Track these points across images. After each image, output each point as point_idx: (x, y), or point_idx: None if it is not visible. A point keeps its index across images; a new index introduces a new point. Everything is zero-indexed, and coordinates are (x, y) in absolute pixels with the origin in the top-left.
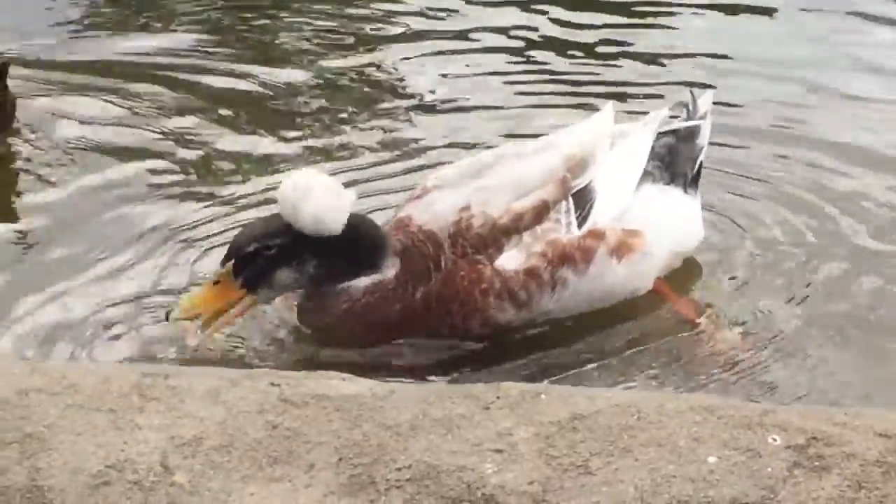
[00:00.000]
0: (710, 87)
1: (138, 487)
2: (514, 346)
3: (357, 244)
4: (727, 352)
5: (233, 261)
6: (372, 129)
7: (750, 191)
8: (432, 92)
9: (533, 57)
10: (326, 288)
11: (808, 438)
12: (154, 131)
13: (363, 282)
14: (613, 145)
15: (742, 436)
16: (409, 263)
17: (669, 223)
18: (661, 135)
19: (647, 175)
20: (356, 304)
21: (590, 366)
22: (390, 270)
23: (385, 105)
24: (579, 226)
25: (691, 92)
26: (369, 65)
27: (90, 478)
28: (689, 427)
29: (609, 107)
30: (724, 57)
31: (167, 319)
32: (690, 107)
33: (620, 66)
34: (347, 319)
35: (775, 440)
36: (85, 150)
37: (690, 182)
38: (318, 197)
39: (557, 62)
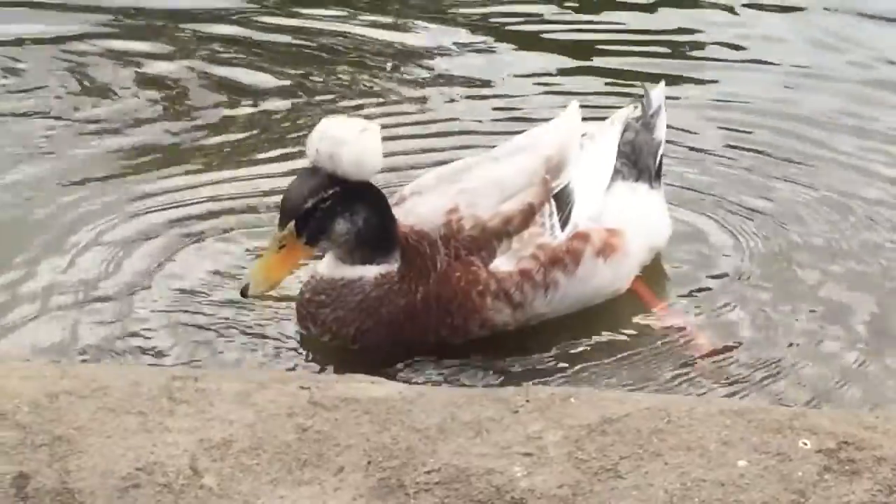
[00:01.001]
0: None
1: (168, 490)
2: (539, 347)
3: (385, 209)
4: (711, 353)
5: (293, 221)
6: (403, 102)
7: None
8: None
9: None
10: (342, 272)
11: (838, 442)
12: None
13: (372, 271)
14: (583, 146)
15: (772, 440)
16: (409, 261)
17: (643, 220)
18: (622, 132)
19: (616, 173)
20: (368, 298)
21: (582, 372)
22: (395, 264)
23: (419, 80)
24: (562, 227)
25: (644, 87)
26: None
27: (120, 480)
28: (718, 431)
29: (575, 105)
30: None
31: (245, 296)
32: (644, 101)
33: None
34: (360, 313)
35: (806, 444)
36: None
37: (654, 177)
38: (352, 140)
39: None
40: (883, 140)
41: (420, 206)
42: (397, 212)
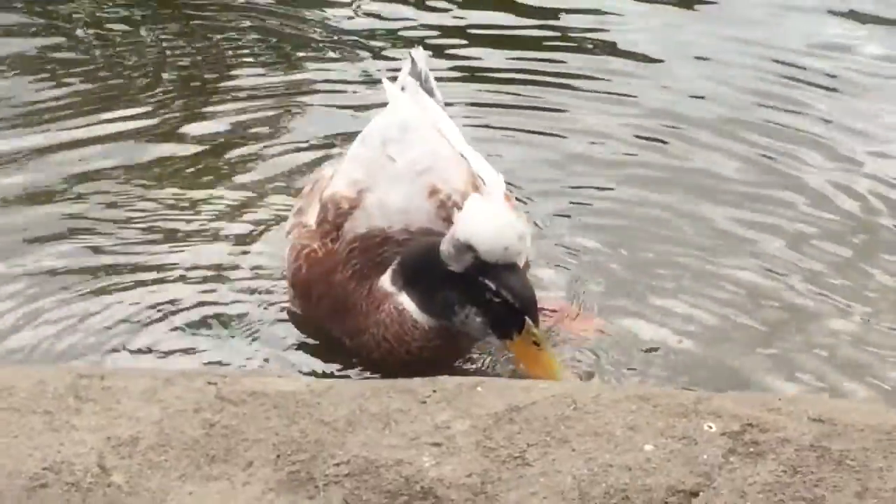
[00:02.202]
0: None
1: (76, 489)
2: None
3: None
4: (594, 334)
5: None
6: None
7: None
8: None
9: None
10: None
11: (743, 425)
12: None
13: None
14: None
15: (678, 424)
16: None
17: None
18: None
19: None
20: None
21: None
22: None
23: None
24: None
25: (410, 54)
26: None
27: (27, 480)
28: (625, 416)
29: (387, 81)
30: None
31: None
32: (414, 71)
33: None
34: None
35: (711, 427)
36: None
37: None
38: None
39: None
40: None
41: (392, 202)
42: (368, 215)
